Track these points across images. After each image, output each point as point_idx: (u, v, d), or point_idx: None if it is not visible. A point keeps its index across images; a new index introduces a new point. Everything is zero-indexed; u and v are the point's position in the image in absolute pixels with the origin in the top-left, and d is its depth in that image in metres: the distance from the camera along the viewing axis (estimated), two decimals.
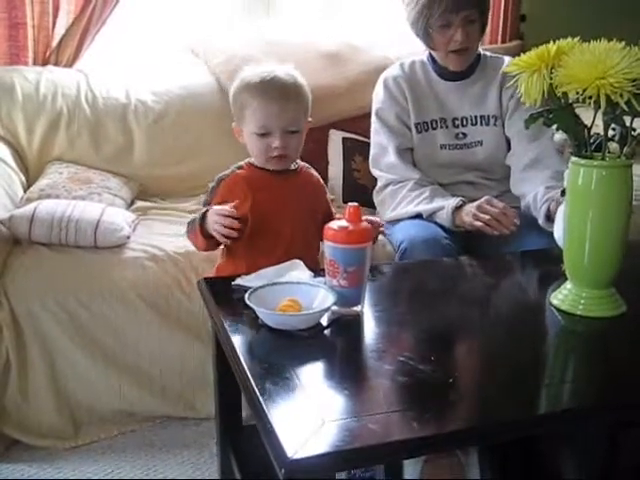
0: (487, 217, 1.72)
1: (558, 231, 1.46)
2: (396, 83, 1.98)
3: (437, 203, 1.85)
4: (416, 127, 1.97)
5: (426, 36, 1.91)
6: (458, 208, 1.81)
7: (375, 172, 2.03)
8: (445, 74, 1.97)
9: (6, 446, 1.77)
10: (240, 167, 1.58)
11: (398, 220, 1.92)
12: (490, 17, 2.09)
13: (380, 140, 2.00)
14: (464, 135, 1.97)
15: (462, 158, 1.97)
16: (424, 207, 1.86)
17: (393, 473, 1.25)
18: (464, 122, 1.97)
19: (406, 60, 2.04)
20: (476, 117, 1.97)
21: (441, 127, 1.97)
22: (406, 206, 1.90)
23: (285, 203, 1.55)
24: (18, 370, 1.77)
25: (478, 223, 1.74)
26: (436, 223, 1.84)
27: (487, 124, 1.97)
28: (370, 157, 2.04)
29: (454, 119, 1.97)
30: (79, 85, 2.37)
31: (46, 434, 1.78)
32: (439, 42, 1.90)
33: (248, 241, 1.52)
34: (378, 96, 2.02)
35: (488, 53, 2.03)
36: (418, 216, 1.88)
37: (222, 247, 1.59)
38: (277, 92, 1.49)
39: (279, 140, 1.49)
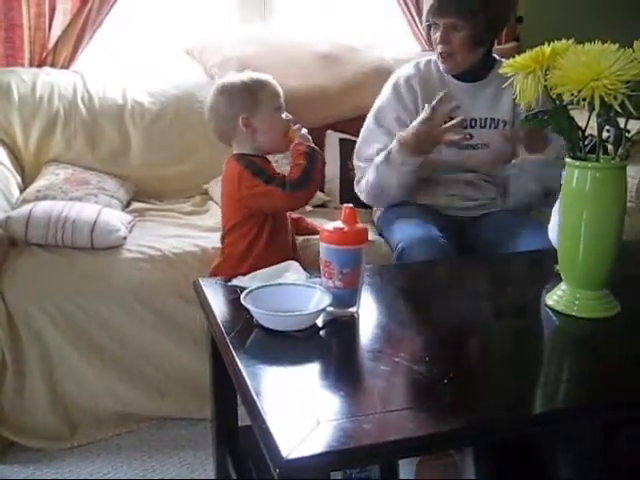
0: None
1: (553, 232, 1.47)
2: (408, 85, 1.97)
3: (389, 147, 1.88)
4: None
5: (428, 32, 1.96)
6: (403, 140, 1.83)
7: (355, 162, 2.04)
8: (458, 74, 1.97)
9: (2, 448, 1.77)
10: (243, 155, 1.70)
11: (394, 221, 1.93)
12: None
13: (368, 135, 2.01)
14: (470, 136, 1.96)
15: (466, 158, 1.98)
16: (380, 157, 1.89)
17: (389, 473, 1.26)
18: (472, 124, 1.96)
19: (422, 59, 2.03)
20: (487, 119, 1.97)
21: None
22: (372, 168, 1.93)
23: None
24: (14, 371, 1.77)
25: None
26: (432, 223, 1.84)
27: (496, 127, 1.97)
28: (355, 148, 2.06)
29: (463, 120, 1.97)
30: (75, 86, 2.37)
31: (42, 435, 1.78)
32: (432, 41, 1.94)
33: (268, 237, 1.67)
34: (384, 94, 2.02)
35: (504, 59, 2.02)
36: (413, 215, 1.89)
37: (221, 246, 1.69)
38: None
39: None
